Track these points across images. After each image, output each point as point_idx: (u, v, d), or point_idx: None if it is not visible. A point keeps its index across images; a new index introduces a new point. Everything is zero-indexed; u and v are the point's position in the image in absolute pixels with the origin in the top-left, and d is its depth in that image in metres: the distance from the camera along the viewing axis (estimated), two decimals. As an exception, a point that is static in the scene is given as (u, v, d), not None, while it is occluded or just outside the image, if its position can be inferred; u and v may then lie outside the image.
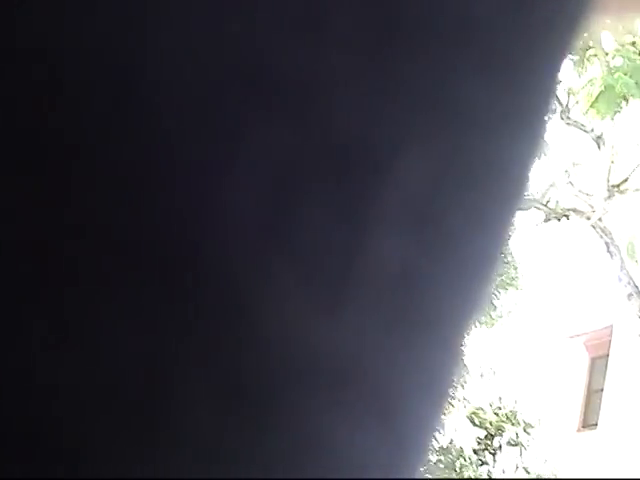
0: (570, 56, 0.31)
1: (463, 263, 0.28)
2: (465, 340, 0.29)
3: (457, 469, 15.01)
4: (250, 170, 0.24)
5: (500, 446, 15.39)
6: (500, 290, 14.45)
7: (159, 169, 0.24)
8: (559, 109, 10.04)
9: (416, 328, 0.27)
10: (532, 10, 0.28)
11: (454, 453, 15.04)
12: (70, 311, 0.23)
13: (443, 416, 0.29)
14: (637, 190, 9.70)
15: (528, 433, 15.51)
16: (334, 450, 0.25)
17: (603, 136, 10.56)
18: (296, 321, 0.25)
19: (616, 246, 10.25)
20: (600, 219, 10.28)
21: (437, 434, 0.29)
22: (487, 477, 13.82)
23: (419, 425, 0.28)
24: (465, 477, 14.19)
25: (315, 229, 0.25)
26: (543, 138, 0.30)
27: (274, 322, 0.24)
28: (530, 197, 10.16)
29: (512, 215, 0.30)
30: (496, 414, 15.51)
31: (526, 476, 15.08)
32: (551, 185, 10.86)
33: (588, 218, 10.41)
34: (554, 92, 0.30)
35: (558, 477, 11.67)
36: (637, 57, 9.02)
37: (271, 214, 0.24)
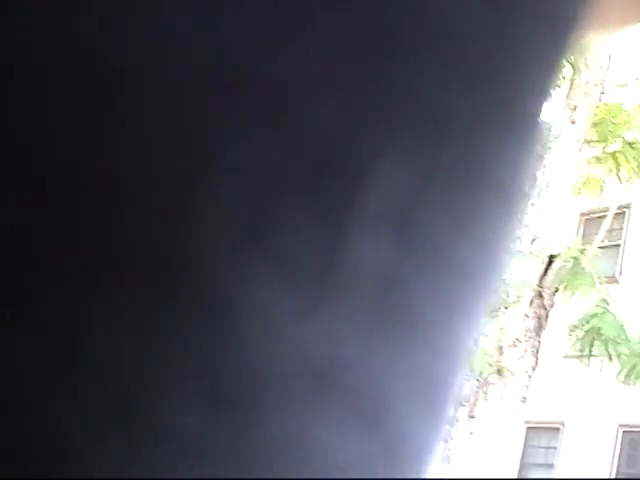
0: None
1: (450, 267, 0.28)
2: (471, 347, 0.29)
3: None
4: (231, 173, 0.24)
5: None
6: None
7: (142, 172, 0.23)
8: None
9: (398, 330, 0.27)
10: (518, 21, 0.28)
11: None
12: (54, 312, 0.23)
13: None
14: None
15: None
16: (315, 450, 0.25)
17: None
18: (278, 322, 0.25)
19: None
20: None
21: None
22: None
23: (409, 429, 0.28)
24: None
25: (296, 232, 0.25)
26: (536, 146, 0.30)
27: (256, 323, 0.24)
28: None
29: (507, 223, 0.29)
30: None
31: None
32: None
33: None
34: (544, 102, 0.30)
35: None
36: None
37: (252, 216, 0.24)
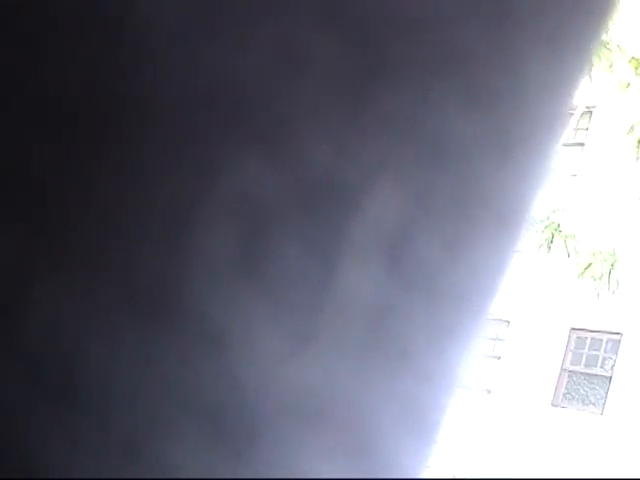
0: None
1: (441, 294, 0.28)
2: (462, 375, 0.29)
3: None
4: (224, 205, 0.24)
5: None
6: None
7: (134, 202, 0.24)
8: None
9: (391, 360, 0.27)
10: (517, 40, 0.27)
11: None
12: (48, 347, 0.23)
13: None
14: None
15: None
16: None
17: None
18: (271, 358, 0.25)
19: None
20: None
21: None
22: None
23: (400, 459, 0.28)
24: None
25: (287, 264, 0.25)
26: (545, 170, 0.29)
27: (249, 360, 0.25)
28: None
29: (501, 250, 0.29)
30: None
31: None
32: None
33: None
34: (553, 125, 0.29)
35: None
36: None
37: (244, 248, 0.25)
